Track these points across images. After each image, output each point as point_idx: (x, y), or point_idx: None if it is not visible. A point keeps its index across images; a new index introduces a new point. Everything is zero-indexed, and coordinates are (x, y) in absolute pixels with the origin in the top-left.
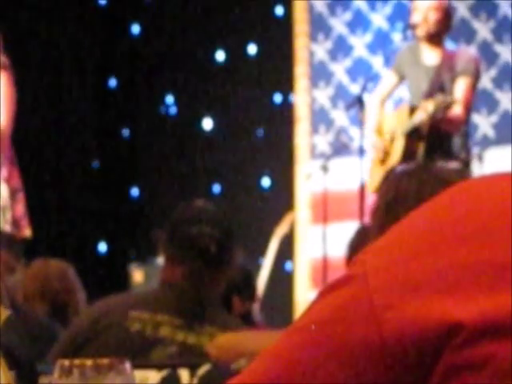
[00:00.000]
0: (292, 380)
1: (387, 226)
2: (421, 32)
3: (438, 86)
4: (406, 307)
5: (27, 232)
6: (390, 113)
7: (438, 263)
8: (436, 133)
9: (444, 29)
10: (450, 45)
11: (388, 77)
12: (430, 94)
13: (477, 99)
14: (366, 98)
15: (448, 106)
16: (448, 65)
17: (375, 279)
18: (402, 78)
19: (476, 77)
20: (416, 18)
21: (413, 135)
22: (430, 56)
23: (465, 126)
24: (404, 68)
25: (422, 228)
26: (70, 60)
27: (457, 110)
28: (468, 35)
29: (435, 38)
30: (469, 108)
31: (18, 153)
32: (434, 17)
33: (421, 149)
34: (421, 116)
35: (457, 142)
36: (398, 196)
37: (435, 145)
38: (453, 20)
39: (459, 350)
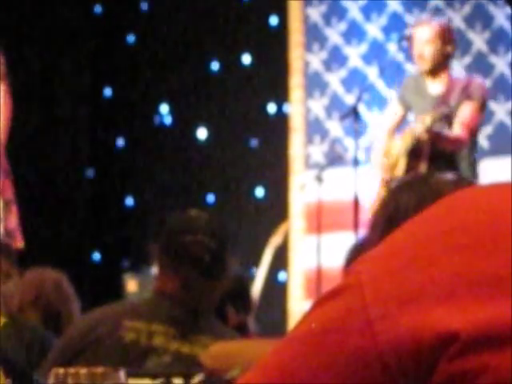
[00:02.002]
0: None
1: None
2: (421, 67)
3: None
4: (401, 318)
5: (20, 243)
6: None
7: (433, 273)
8: (438, 153)
9: (444, 57)
10: None
11: (394, 108)
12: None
13: None
14: (361, 108)
15: (446, 117)
16: (454, 91)
17: (370, 290)
18: (407, 109)
19: (482, 103)
20: (415, 51)
21: (414, 154)
22: (436, 85)
23: (472, 149)
24: (409, 99)
25: (416, 238)
26: (65, 69)
27: (458, 130)
28: (463, 46)
29: (438, 69)
30: (472, 130)
31: (12, 162)
32: (430, 51)
33: (422, 168)
34: (419, 128)
35: (463, 164)
36: (399, 209)
37: (438, 165)
38: (455, 43)
39: (455, 359)
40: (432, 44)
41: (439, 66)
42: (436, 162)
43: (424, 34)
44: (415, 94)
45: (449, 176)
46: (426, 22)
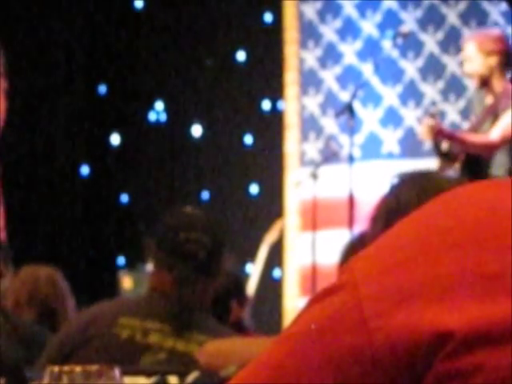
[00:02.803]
0: None
1: None
2: (474, 83)
3: (492, 114)
4: (396, 316)
5: (4, 242)
6: None
7: (428, 272)
8: (473, 158)
9: (490, 69)
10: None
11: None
12: (480, 122)
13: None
14: (356, 105)
15: (431, 116)
16: (503, 100)
17: (365, 288)
18: None
19: None
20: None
21: (448, 157)
22: (490, 96)
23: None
24: (475, 107)
25: (411, 236)
26: (60, 66)
27: (492, 135)
28: (458, 43)
29: (487, 81)
30: (506, 137)
31: (6, 160)
32: (472, 68)
33: (453, 170)
34: (420, 130)
35: (499, 171)
36: (400, 204)
37: (469, 169)
38: (502, 53)
39: (450, 358)
40: (474, 60)
41: (487, 79)
42: (468, 166)
43: (467, 52)
44: (477, 104)
45: (451, 173)
46: (469, 38)
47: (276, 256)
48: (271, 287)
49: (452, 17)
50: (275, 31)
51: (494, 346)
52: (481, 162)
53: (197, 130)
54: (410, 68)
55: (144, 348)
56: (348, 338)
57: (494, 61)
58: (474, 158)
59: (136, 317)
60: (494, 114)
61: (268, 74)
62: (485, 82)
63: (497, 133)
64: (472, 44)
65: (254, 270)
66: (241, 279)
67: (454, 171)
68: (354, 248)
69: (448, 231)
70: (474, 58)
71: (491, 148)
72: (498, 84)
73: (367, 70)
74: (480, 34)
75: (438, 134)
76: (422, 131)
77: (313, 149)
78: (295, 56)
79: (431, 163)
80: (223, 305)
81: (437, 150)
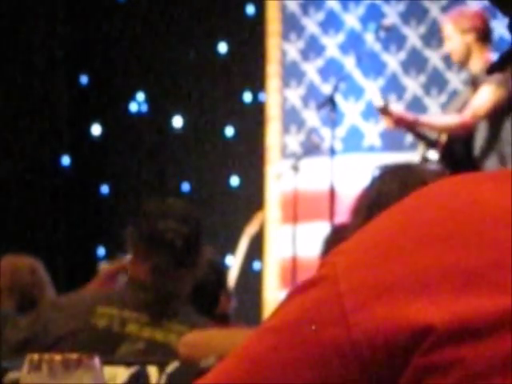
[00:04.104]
0: (259, 381)
1: None
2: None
3: (470, 92)
4: (376, 309)
5: None
6: None
7: (409, 266)
8: (454, 139)
9: (468, 46)
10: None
11: None
12: (464, 101)
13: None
14: (338, 98)
15: (383, 109)
16: (482, 74)
17: (345, 281)
18: None
19: (500, 87)
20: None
21: (427, 140)
22: (471, 73)
23: (495, 129)
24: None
25: (392, 229)
26: (41, 56)
27: (464, 114)
28: (440, 37)
29: (467, 59)
30: (477, 113)
31: None
32: (450, 46)
33: (435, 154)
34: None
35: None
36: (381, 196)
37: (452, 151)
38: (477, 28)
39: (429, 352)
40: (451, 39)
41: (467, 57)
42: (450, 148)
43: (445, 31)
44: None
45: (433, 166)
46: (446, 17)
47: (256, 248)
48: (251, 279)
49: (434, 10)
50: (257, 23)
51: (474, 340)
52: (462, 141)
53: (178, 122)
54: (392, 61)
55: (122, 337)
56: (328, 332)
57: (470, 38)
58: (455, 137)
59: (113, 306)
60: (472, 91)
61: (250, 66)
62: (464, 61)
63: (468, 111)
64: (449, 23)
65: (234, 262)
66: (226, 271)
67: (436, 153)
68: (336, 240)
69: (430, 225)
70: (451, 36)
71: (463, 128)
72: (477, 61)
73: (349, 62)
74: (456, 12)
75: (398, 122)
76: (385, 122)
77: (294, 141)
78: (277, 48)
79: (413, 157)
80: (213, 296)
81: (417, 135)
